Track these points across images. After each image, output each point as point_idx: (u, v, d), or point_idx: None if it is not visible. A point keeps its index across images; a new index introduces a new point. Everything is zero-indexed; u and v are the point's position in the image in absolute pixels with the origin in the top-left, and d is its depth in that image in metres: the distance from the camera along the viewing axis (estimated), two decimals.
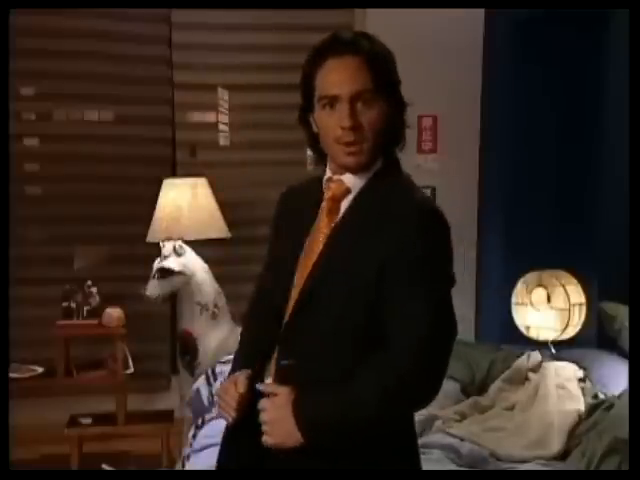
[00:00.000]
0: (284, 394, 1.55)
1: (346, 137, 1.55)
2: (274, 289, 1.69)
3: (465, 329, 4.27)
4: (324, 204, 1.64)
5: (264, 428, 1.56)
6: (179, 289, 3.84)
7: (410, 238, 1.51)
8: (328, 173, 1.66)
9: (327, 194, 1.64)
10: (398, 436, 1.62)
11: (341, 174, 1.63)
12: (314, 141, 1.65)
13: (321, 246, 1.61)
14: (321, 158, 1.68)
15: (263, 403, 1.57)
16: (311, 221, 1.65)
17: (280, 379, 1.60)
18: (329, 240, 1.61)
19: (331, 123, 1.57)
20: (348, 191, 1.62)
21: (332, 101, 1.56)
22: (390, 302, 1.52)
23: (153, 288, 3.76)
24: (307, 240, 1.64)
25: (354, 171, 1.61)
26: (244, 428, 1.65)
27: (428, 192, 4.40)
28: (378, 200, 1.58)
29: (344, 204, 1.63)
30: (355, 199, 1.62)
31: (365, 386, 1.51)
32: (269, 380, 1.64)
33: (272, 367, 1.65)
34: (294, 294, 1.62)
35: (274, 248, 1.77)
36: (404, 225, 1.52)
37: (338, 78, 1.55)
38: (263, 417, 1.56)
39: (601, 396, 3.12)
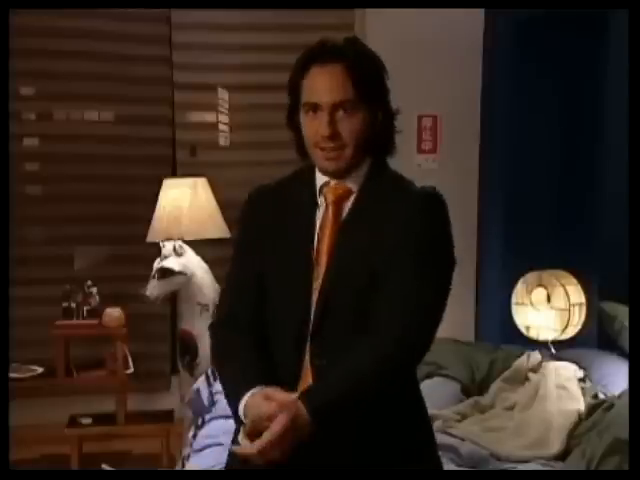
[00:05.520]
0: (291, 401, 1.52)
1: (325, 144, 1.62)
2: (286, 293, 1.68)
3: (465, 329, 4.31)
4: (330, 208, 1.67)
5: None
6: (179, 289, 3.84)
7: (415, 220, 1.58)
8: (323, 178, 1.69)
9: (329, 198, 1.67)
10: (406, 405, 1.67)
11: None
12: (299, 144, 1.71)
13: (332, 247, 1.64)
14: (305, 160, 1.72)
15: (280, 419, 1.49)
16: (311, 224, 1.67)
17: (319, 379, 1.61)
18: (341, 240, 1.64)
19: (312, 129, 1.64)
20: (350, 192, 1.67)
21: (314, 108, 1.63)
22: (393, 279, 1.57)
23: (153, 288, 3.76)
24: (315, 244, 1.66)
25: (334, 175, 1.66)
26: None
27: None
28: (379, 195, 1.65)
29: (347, 205, 1.67)
30: (357, 198, 1.66)
31: (360, 359, 1.55)
32: (304, 382, 1.63)
33: (305, 369, 1.64)
34: (315, 296, 1.63)
35: (258, 250, 1.73)
36: (408, 210, 1.60)
37: (320, 86, 1.62)
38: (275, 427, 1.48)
39: (601, 396, 3.12)
